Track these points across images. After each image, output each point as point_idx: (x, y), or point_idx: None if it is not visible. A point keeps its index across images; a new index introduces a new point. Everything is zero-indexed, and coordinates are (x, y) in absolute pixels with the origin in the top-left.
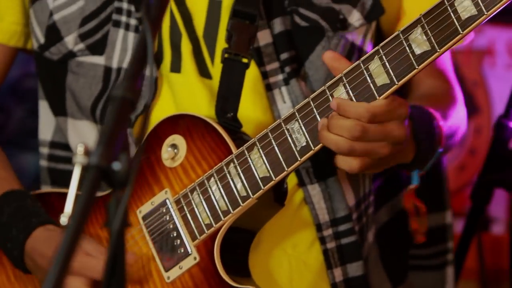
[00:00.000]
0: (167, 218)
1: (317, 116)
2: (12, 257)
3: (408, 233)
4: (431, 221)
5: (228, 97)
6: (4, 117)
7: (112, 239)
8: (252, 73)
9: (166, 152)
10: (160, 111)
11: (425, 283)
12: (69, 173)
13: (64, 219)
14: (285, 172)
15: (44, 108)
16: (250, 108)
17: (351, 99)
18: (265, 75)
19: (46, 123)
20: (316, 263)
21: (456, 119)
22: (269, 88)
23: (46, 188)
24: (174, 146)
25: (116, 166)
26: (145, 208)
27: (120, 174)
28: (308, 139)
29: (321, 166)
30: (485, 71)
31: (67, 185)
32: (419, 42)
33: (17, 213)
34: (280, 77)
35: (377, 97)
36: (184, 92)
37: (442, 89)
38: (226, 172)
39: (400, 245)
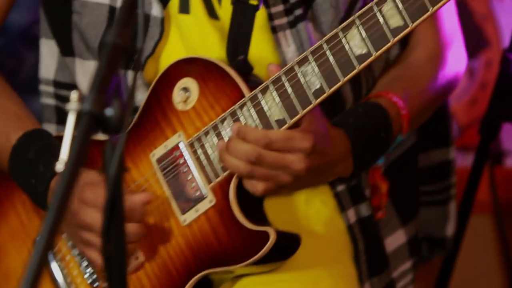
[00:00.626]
0: (181, 161)
1: (331, 58)
2: (35, 194)
3: (417, 169)
4: (437, 157)
5: (238, 40)
6: (16, 63)
7: (109, 184)
8: (260, 14)
9: (178, 95)
10: (169, 53)
11: (429, 218)
12: None
13: (59, 166)
14: (299, 115)
15: (46, 47)
16: (259, 50)
17: (364, 41)
18: (270, 17)
19: (48, 62)
20: (333, 202)
21: (438, 88)
22: (274, 30)
23: (49, 127)
24: (186, 89)
25: (109, 112)
26: (159, 151)
27: (113, 119)
28: (322, 81)
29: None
30: (494, 4)
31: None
32: None
33: (44, 151)
34: (284, 20)
35: (390, 39)
36: (194, 34)
37: (430, 53)
38: (240, 115)
39: (410, 180)
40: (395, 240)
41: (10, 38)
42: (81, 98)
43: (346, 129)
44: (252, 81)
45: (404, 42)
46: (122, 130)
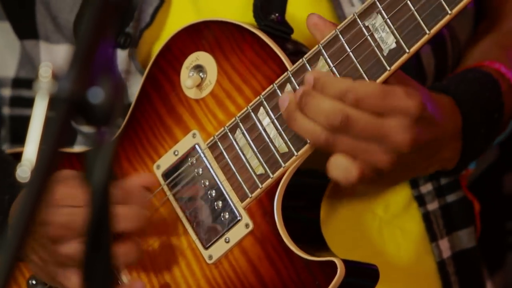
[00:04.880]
0: (200, 172)
1: (410, 4)
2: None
3: (502, 195)
4: None
5: None
6: None
7: (93, 197)
8: None
9: (188, 78)
10: (177, 19)
11: None
12: None
13: (23, 172)
14: None
15: (3, 32)
16: (305, 11)
17: None
18: None
19: (7, 54)
20: (417, 228)
21: None
22: None
23: (5, 147)
24: (198, 68)
25: (95, 95)
26: (165, 161)
27: (102, 106)
28: (399, 37)
29: None
30: None
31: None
32: None
33: (5, 176)
34: None
35: None
36: None
37: None
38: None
39: (494, 211)
40: None
41: None
42: (55, 76)
43: (457, 99)
44: (294, 49)
45: (480, 13)
46: (112, 122)
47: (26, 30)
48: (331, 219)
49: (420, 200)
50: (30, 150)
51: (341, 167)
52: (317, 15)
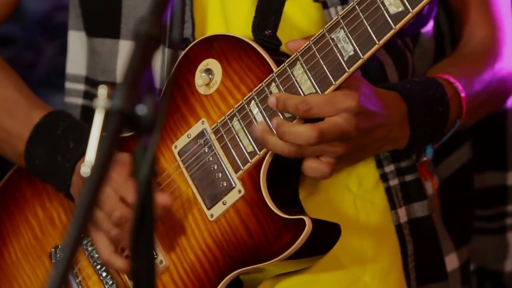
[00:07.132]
0: (206, 150)
1: (365, 21)
2: (58, 172)
3: (472, 189)
4: (490, 180)
5: (267, 14)
6: (34, 55)
7: (139, 189)
8: None
9: (200, 79)
10: (209, 26)
11: (484, 247)
12: None
13: (85, 169)
14: (332, 86)
15: (75, 40)
16: (298, 31)
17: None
18: None
19: (78, 57)
20: (382, 202)
21: (495, 80)
22: (325, 5)
23: None
24: (208, 71)
25: (141, 109)
26: (181, 142)
27: (146, 118)
28: (356, 47)
29: None
30: None
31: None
32: None
33: (74, 129)
34: None
35: None
36: (232, 2)
37: (485, 46)
38: (268, 93)
39: (464, 201)
40: (447, 263)
41: (27, 27)
42: (110, 94)
43: (402, 93)
44: (280, 57)
45: (454, 43)
46: (155, 131)
47: (110, 30)
48: (313, 195)
49: (384, 177)
50: (90, 153)
51: (314, 170)
52: (293, 41)
